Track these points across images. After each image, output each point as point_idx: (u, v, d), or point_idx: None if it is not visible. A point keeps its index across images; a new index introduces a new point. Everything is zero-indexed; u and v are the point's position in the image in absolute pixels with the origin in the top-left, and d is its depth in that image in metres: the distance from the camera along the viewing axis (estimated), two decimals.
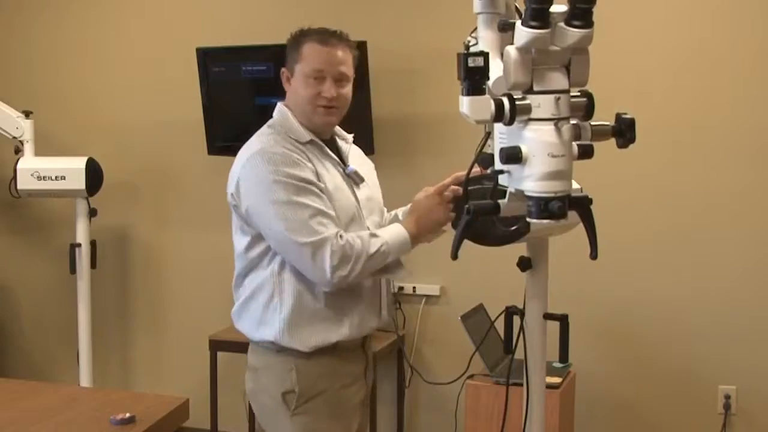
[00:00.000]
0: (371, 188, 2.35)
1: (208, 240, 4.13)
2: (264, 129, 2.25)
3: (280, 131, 2.21)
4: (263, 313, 2.21)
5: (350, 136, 2.39)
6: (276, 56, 3.80)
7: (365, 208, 2.27)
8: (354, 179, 2.28)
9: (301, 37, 2.23)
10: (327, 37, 2.21)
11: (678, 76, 3.47)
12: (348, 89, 2.25)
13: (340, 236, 2.10)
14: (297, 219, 2.07)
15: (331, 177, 2.20)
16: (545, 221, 1.53)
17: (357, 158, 2.38)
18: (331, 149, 2.27)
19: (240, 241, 2.24)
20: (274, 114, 2.28)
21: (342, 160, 2.30)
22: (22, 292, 4.65)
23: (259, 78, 3.82)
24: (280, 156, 2.11)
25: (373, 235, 2.14)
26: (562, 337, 1.88)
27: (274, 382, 2.21)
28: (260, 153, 2.13)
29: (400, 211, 2.40)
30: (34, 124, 4.02)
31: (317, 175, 2.16)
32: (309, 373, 2.20)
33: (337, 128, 2.35)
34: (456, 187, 2.18)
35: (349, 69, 2.23)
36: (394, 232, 2.17)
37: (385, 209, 2.45)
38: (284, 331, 2.17)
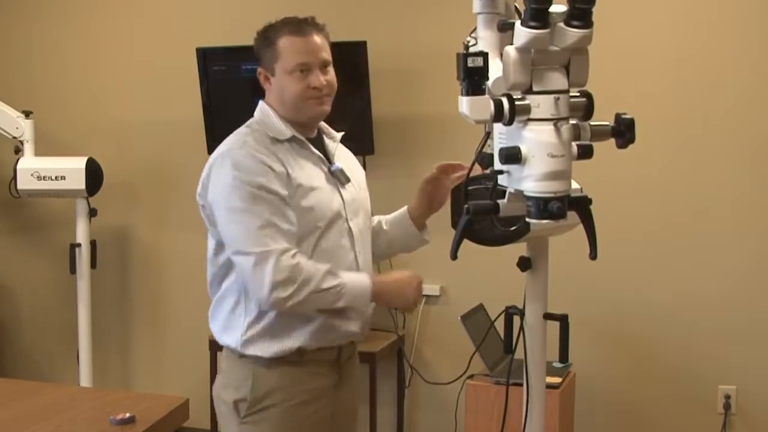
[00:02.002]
0: (358, 190, 2.24)
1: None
2: (241, 128, 2.17)
3: (257, 129, 2.13)
4: (228, 317, 2.15)
5: (338, 135, 2.29)
6: None
7: (349, 208, 2.17)
8: (339, 178, 2.18)
9: (272, 33, 2.14)
10: (300, 26, 2.13)
11: (678, 76, 3.47)
12: (332, 73, 2.16)
13: (292, 255, 2.00)
14: (246, 228, 2.00)
15: (308, 176, 2.11)
16: (545, 221, 1.53)
17: (345, 159, 2.29)
18: (317, 147, 2.19)
19: (210, 244, 2.18)
20: (255, 113, 2.21)
21: (327, 158, 2.21)
22: (22, 292, 4.65)
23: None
24: (242, 159, 2.04)
25: (332, 273, 2.03)
26: (562, 337, 1.88)
27: (230, 388, 2.15)
28: (225, 155, 2.07)
29: (383, 219, 2.36)
30: (34, 124, 4.02)
31: (287, 177, 2.06)
32: (266, 382, 2.11)
33: (325, 126, 2.28)
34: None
35: (328, 53, 2.15)
36: (357, 280, 2.07)
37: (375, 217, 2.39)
38: (246, 339, 2.11)
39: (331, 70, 2.16)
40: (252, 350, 2.10)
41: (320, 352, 2.13)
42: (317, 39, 2.13)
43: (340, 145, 2.30)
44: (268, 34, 2.15)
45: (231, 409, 2.13)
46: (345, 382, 2.23)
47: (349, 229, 2.16)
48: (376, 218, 2.37)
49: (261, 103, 2.21)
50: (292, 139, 2.13)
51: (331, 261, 2.09)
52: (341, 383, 2.22)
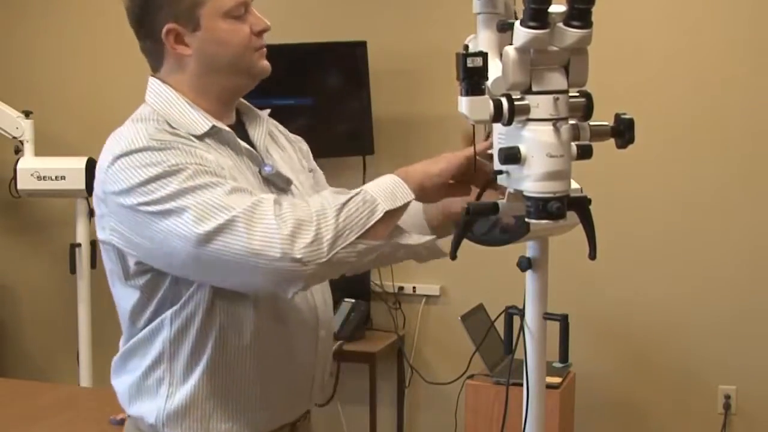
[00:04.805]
0: (300, 191, 1.63)
1: None
2: (127, 124, 1.59)
3: (158, 121, 1.55)
4: (143, 378, 1.51)
5: (264, 112, 1.69)
6: (276, 56, 3.81)
7: None
8: (276, 183, 1.57)
9: None
10: None
11: (678, 76, 3.47)
12: None
13: (279, 202, 1.37)
14: (204, 201, 1.35)
15: (244, 181, 1.51)
16: (544, 222, 1.53)
17: (276, 147, 1.69)
18: (241, 139, 1.57)
19: (122, 295, 1.54)
20: (147, 98, 1.63)
21: (258, 154, 1.59)
22: (22, 292, 4.65)
23: None
24: (158, 144, 1.46)
25: (339, 192, 1.44)
26: (562, 337, 1.88)
27: None
28: (126, 155, 1.50)
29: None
30: (34, 124, 4.02)
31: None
32: None
33: (245, 104, 1.69)
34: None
35: None
36: (373, 182, 1.45)
37: None
38: (169, 415, 1.50)
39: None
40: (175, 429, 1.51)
41: None
42: None
43: (273, 128, 1.71)
44: None
45: None
46: None
47: None
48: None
49: (156, 84, 1.62)
50: (211, 133, 1.52)
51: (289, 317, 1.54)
52: None
